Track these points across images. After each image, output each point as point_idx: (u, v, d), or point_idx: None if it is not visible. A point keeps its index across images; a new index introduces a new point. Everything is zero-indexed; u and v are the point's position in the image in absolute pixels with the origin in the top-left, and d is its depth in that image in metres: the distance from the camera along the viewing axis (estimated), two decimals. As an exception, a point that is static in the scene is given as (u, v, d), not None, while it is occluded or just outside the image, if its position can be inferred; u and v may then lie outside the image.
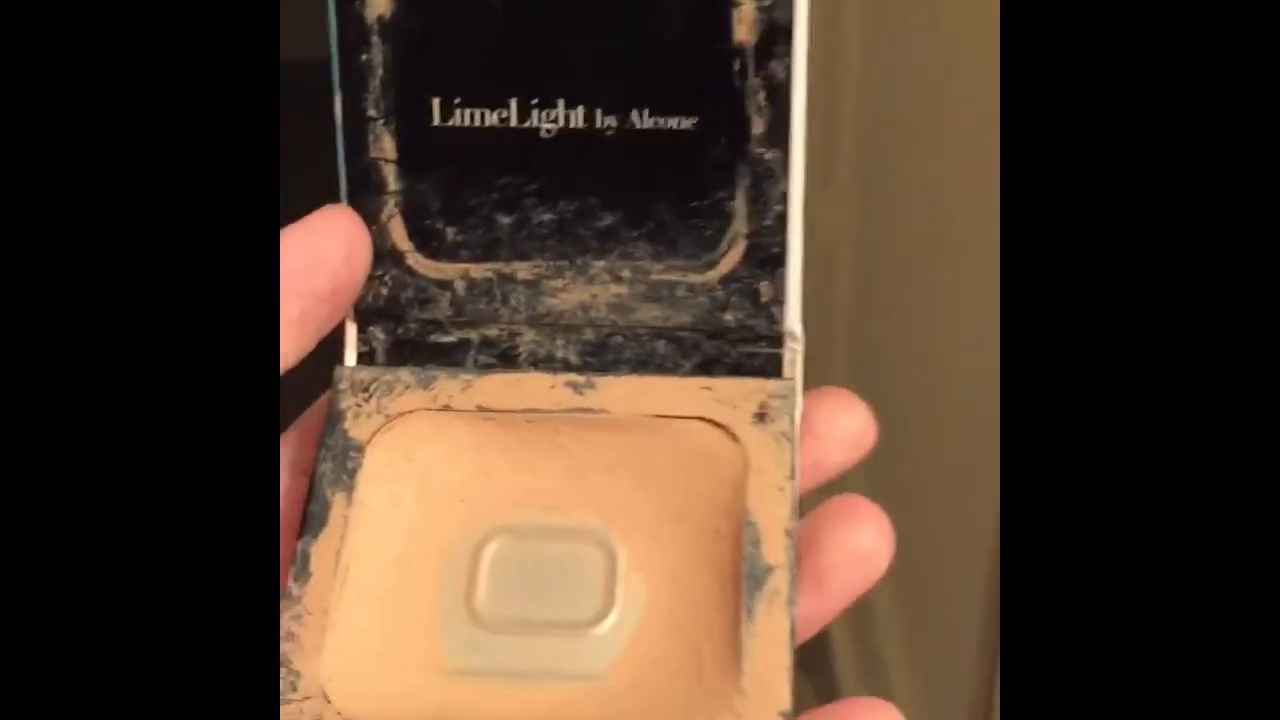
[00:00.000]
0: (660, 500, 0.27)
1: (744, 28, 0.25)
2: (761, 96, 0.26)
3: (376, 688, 0.25)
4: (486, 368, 0.27)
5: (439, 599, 0.26)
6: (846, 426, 0.26)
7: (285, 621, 0.25)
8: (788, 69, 0.26)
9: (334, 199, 0.27)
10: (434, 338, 0.27)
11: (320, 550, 0.26)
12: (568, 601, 0.26)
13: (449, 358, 0.27)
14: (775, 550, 0.25)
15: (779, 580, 0.25)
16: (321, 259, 0.26)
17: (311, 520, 0.26)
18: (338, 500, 0.26)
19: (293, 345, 0.26)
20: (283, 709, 0.24)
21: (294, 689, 0.25)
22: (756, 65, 0.26)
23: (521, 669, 0.26)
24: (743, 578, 0.25)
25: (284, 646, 0.25)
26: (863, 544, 0.25)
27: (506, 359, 0.27)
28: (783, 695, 0.24)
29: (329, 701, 0.25)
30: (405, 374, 0.27)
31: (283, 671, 0.25)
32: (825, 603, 0.26)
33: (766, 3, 0.25)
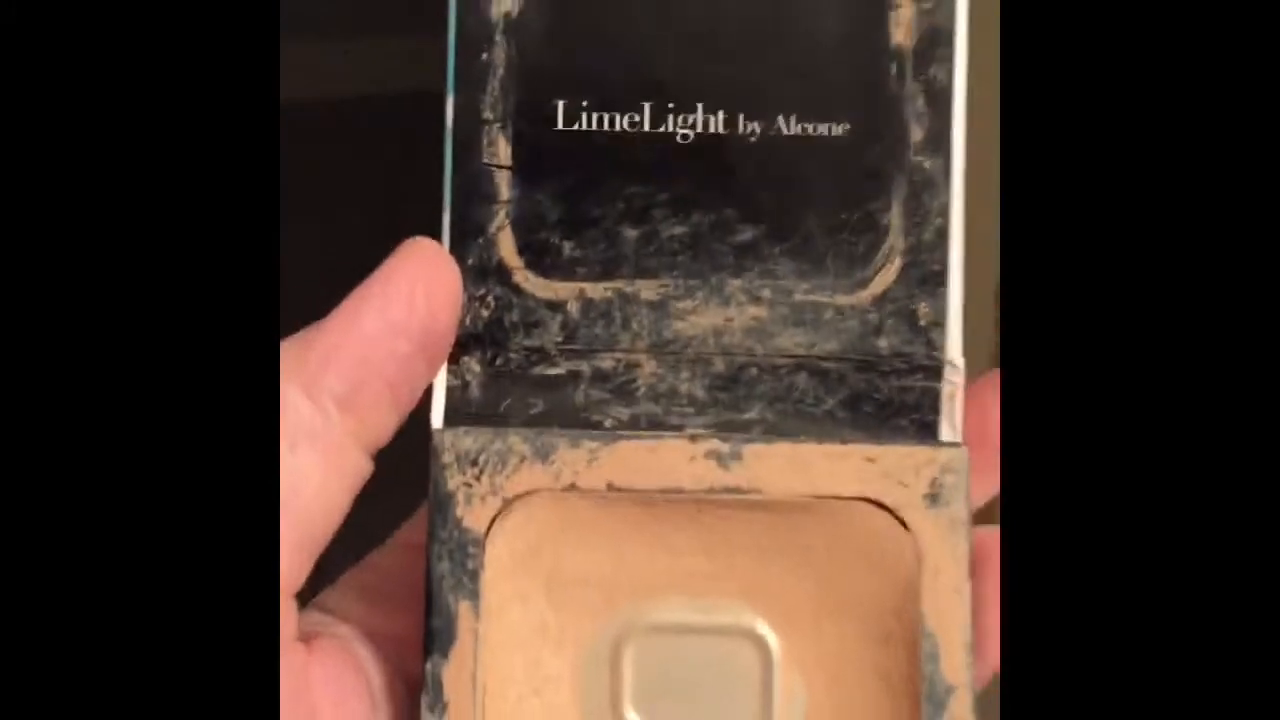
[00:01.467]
0: (819, 591, 0.23)
1: (902, 30, 0.24)
2: (921, 101, 0.24)
3: None
4: (599, 403, 0.24)
5: (582, 711, 0.23)
6: None
7: None
8: (949, 72, 0.24)
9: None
10: (539, 369, 0.24)
11: (453, 674, 0.23)
12: (721, 707, 0.23)
13: (555, 393, 0.24)
14: (956, 667, 0.22)
15: (961, 704, 0.22)
16: (400, 317, 0.23)
17: (439, 638, 0.23)
18: (463, 611, 0.23)
19: (387, 417, 0.23)
20: None
21: None
22: (915, 69, 0.24)
23: None
24: (921, 699, 0.22)
25: None
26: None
27: (622, 394, 0.24)
28: None
29: None
30: (518, 441, 0.23)
31: None
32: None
33: (927, 4, 0.24)
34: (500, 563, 0.23)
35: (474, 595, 0.23)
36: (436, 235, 0.24)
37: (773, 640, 0.24)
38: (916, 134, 0.24)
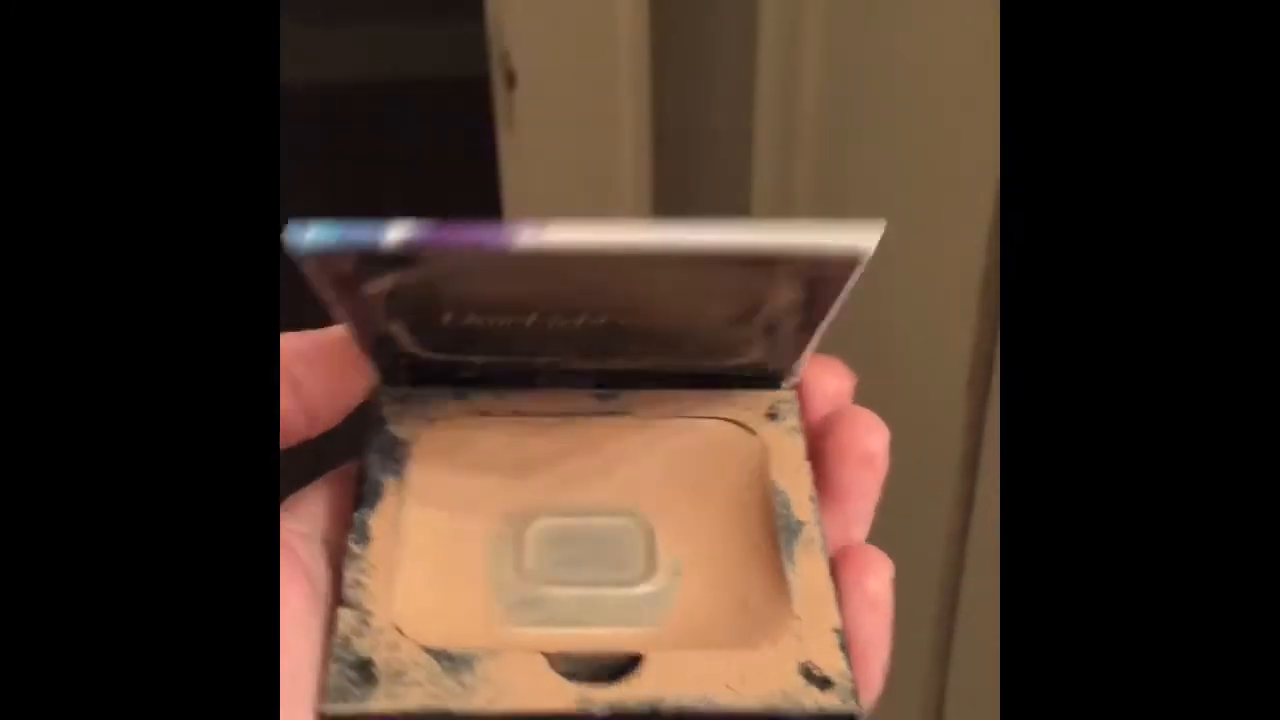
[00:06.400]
0: (688, 486, 0.29)
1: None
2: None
3: (442, 629, 0.26)
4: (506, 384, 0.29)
5: (491, 566, 0.28)
6: (828, 387, 0.30)
7: (351, 574, 0.26)
8: None
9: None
10: (457, 374, 0.29)
11: (378, 520, 0.27)
12: (612, 566, 0.28)
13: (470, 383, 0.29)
14: (805, 511, 0.28)
15: (812, 532, 0.28)
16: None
17: (366, 495, 0.27)
18: (389, 482, 0.28)
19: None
20: (356, 642, 0.25)
21: (366, 625, 0.25)
22: None
23: (574, 618, 0.27)
24: (777, 532, 0.27)
25: (353, 594, 0.26)
26: (870, 447, 0.28)
27: (524, 379, 0.29)
28: (834, 614, 0.26)
29: (402, 634, 0.25)
30: (441, 390, 0.29)
31: (352, 614, 0.25)
32: (849, 527, 0.28)
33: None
34: (423, 459, 0.28)
35: (399, 474, 0.28)
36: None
37: (653, 522, 0.29)
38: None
